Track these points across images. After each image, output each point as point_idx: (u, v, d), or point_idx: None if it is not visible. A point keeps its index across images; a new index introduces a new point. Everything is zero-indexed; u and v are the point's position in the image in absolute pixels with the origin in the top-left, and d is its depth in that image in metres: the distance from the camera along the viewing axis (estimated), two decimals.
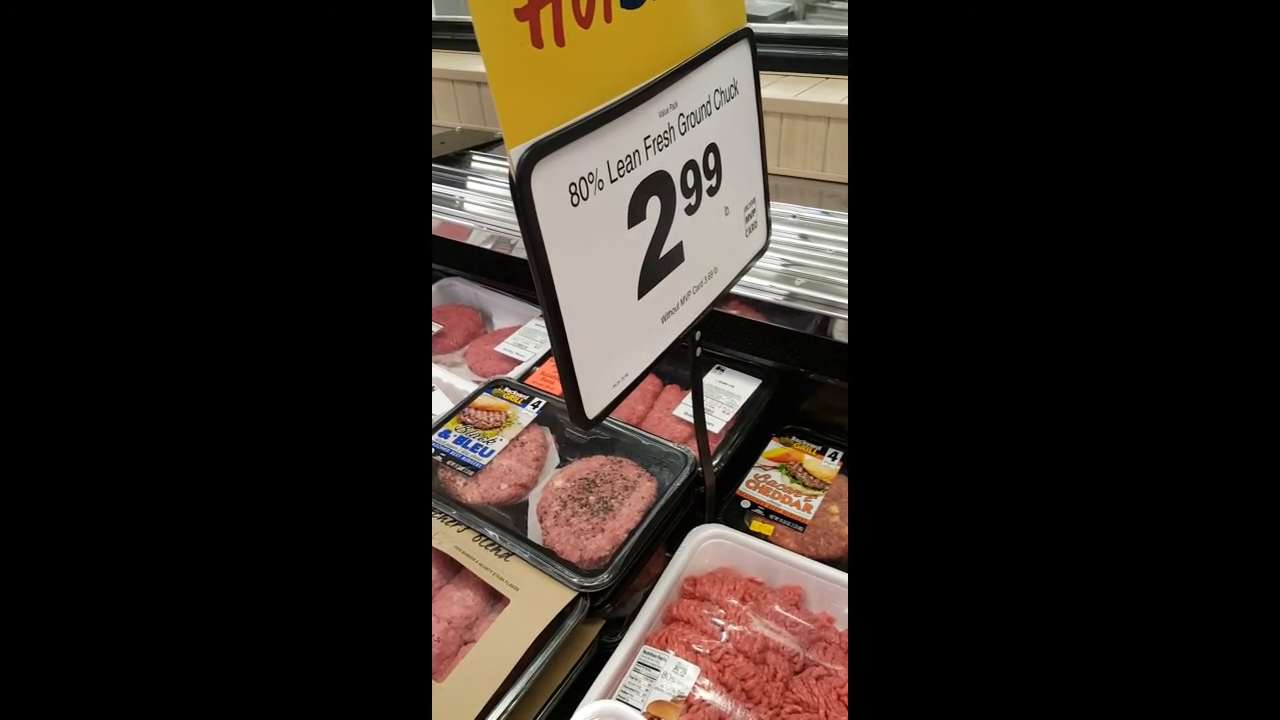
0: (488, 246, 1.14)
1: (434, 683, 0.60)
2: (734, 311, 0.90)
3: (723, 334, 1.02)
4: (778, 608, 0.69)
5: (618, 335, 0.54)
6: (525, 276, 1.29)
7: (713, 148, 0.61)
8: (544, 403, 0.93)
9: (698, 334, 0.67)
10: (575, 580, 0.68)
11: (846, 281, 0.87)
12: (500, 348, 1.14)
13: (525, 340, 1.16)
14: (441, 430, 0.90)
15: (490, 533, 0.74)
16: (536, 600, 0.66)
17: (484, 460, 0.85)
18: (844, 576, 0.71)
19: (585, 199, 0.46)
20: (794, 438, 0.96)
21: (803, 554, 0.78)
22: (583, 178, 0.45)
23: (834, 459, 0.92)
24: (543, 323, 1.18)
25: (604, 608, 0.71)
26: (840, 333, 0.87)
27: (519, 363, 1.10)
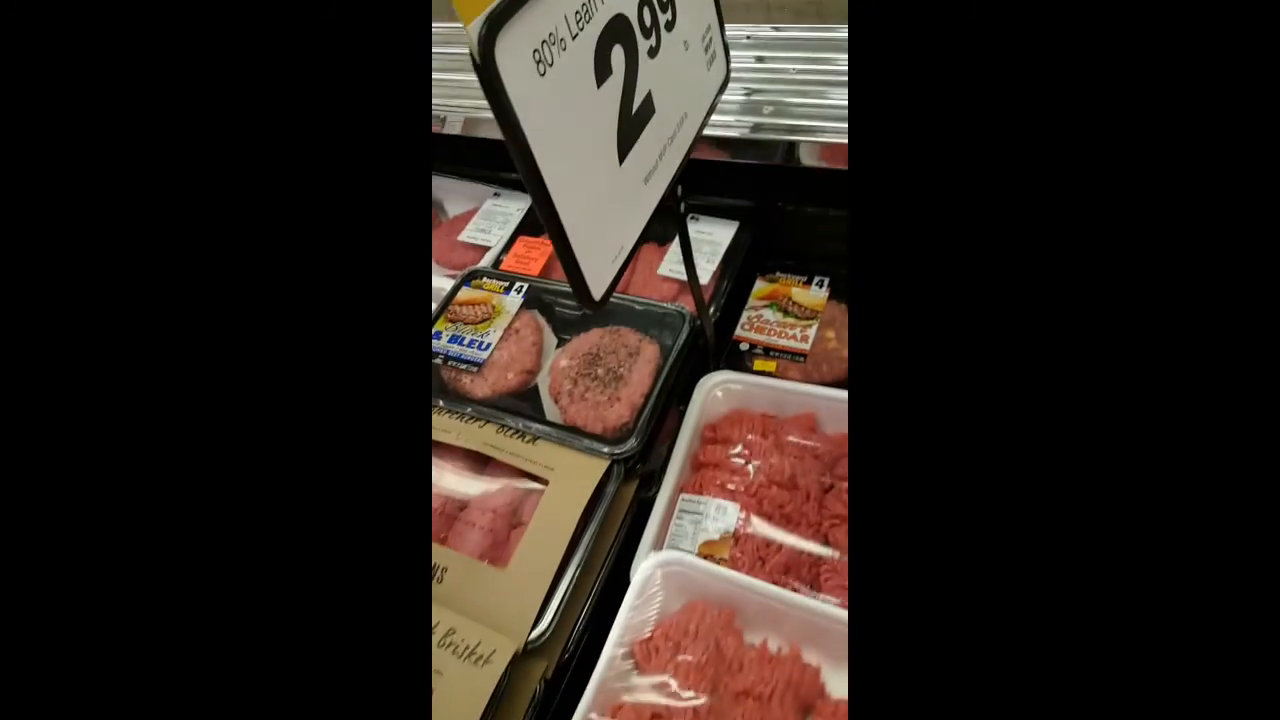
0: None
1: (497, 569, 0.64)
2: (700, 156, 0.86)
3: (693, 181, 0.99)
4: (796, 436, 0.73)
5: (608, 209, 0.51)
6: (467, 155, 1.20)
7: None
8: (527, 286, 0.91)
9: (679, 189, 0.64)
10: (605, 450, 0.71)
11: (811, 102, 0.83)
12: (464, 236, 1.09)
13: (486, 224, 1.11)
14: (433, 332, 0.88)
15: (513, 422, 0.75)
16: (573, 475, 0.69)
17: (483, 354, 0.84)
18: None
19: (551, 64, 0.42)
20: (778, 273, 0.96)
21: (807, 382, 0.81)
22: (545, 40, 0.41)
23: (821, 286, 0.93)
24: (499, 202, 1.13)
25: (636, 468, 0.74)
26: (809, 156, 0.84)
27: (487, 249, 1.06)
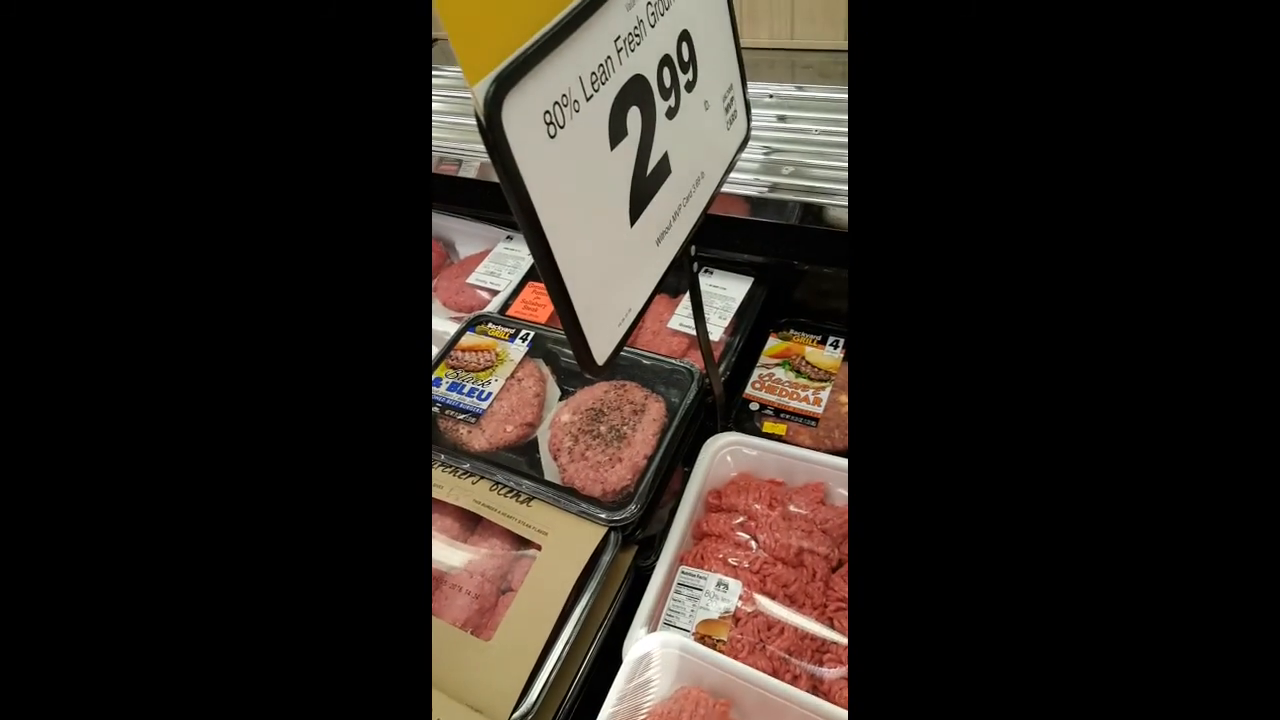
0: (438, 170, 1.05)
1: (482, 640, 0.61)
2: (718, 211, 0.85)
3: (707, 235, 0.97)
4: (803, 508, 0.70)
5: (616, 271, 0.49)
6: (482, 198, 1.19)
7: (685, 35, 0.54)
8: (533, 334, 0.89)
9: (693, 248, 0.62)
10: (603, 516, 0.68)
11: (831, 164, 0.81)
12: (473, 279, 1.08)
13: (497, 267, 1.09)
14: (432, 379, 0.86)
15: (508, 480, 0.72)
16: (568, 541, 0.65)
17: (483, 405, 0.82)
18: None
19: (562, 126, 0.40)
20: (792, 330, 0.94)
21: (818, 448, 0.78)
22: (556, 102, 0.39)
23: (835, 347, 0.90)
24: (512, 245, 1.12)
25: (635, 534, 0.71)
26: (828, 219, 0.82)
27: (495, 292, 1.04)
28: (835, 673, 0.58)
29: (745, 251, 0.96)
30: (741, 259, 0.97)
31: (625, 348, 0.90)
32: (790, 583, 0.62)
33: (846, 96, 0.88)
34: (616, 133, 0.45)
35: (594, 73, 0.42)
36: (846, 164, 0.81)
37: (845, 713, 0.52)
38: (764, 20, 0.92)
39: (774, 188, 0.82)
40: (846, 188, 0.79)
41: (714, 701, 0.54)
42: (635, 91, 0.47)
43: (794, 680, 0.56)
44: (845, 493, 0.72)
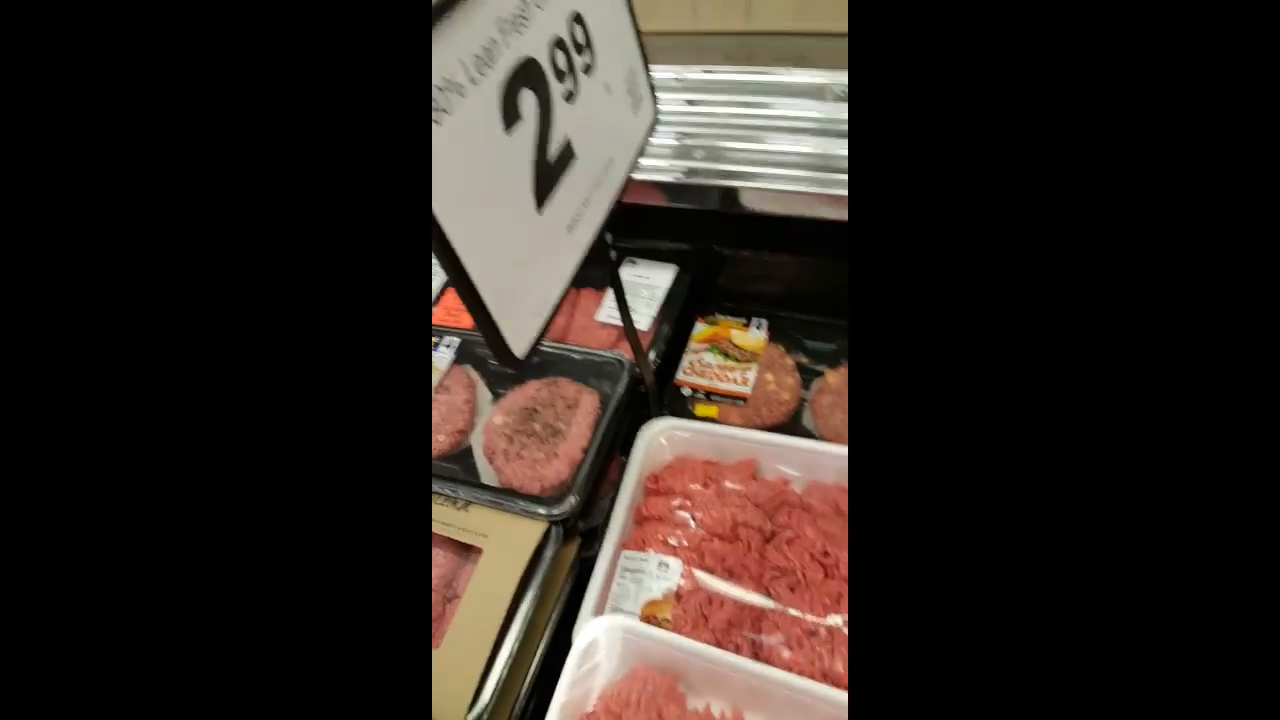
0: None
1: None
2: (635, 200, 0.85)
3: (627, 225, 0.98)
4: (737, 484, 0.71)
5: (526, 258, 0.49)
6: None
7: (577, 17, 0.54)
8: (458, 341, 0.88)
9: (609, 236, 0.62)
10: (542, 511, 0.67)
11: (744, 146, 0.83)
12: None
13: None
14: None
15: (443, 489, 0.71)
16: (509, 541, 0.64)
17: None
18: (790, 440, 0.73)
19: (449, 112, 0.39)
20: (718, 314, 0.95)
21: (748, 426, 0.79)
22: (439, 87, 0.39)
23: (760, 329, 0.92)
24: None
25: (577, 526, 0.70)
26: (745, 202, 0.84)
27: None
28: (774, 639, 0.59)
29: (667, 239, 0.97)
30: (665, 247, 0.98)
31: (555, 343, 0.89)
32: (727, 556, 0.63)
33: (754, 79, 0.89)
34: (510, 116, 0.45)
35: (478, 55, 0.41)
36: (759, 146, 0.82)
37: (783, 673, 0.53)
38: (664, 3, 0.92)
39: (690, 173, 0.82)
40: (761, 169, 0.81)
41: (661, 677, 0.54)
42: (526, 74, 0.46)
43: (736, 649, 0.57)
44: (776, 466, 0.74)
